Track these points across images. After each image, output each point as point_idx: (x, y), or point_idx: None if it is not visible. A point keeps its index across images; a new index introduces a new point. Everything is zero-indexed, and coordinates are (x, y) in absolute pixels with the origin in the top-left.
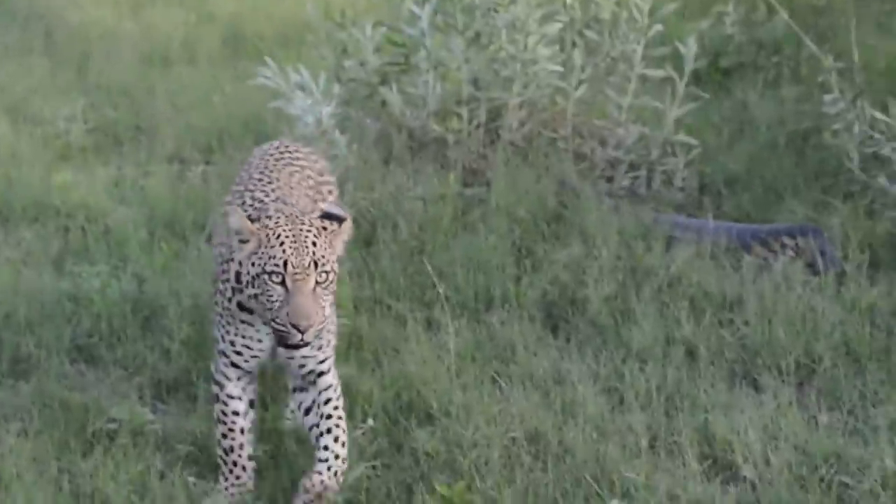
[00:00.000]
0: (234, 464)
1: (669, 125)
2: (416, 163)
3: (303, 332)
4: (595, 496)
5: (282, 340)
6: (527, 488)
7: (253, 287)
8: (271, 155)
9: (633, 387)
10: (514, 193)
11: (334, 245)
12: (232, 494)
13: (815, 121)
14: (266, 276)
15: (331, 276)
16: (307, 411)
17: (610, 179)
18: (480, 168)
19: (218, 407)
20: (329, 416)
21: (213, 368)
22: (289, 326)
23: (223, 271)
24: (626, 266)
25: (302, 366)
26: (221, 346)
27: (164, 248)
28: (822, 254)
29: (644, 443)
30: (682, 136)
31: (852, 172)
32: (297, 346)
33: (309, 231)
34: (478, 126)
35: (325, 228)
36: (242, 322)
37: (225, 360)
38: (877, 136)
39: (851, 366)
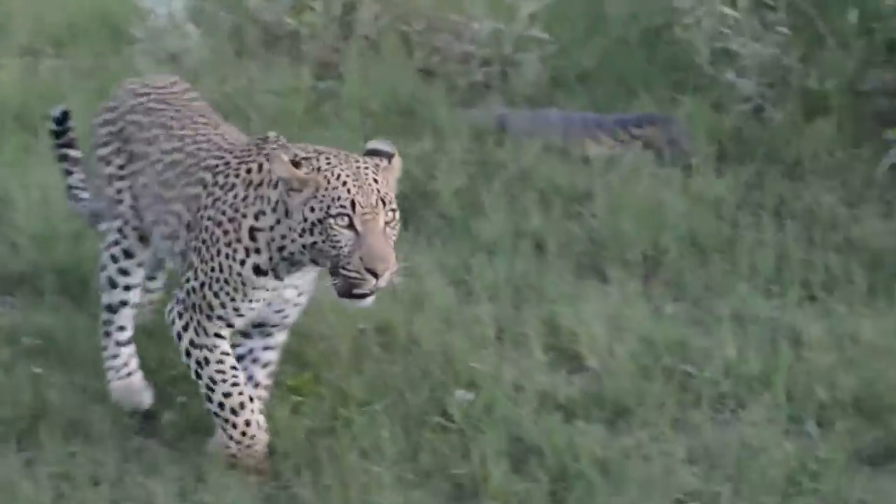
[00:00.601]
0: (248, 423)
1: (523, 20)
2: (269, 56)
3: (378, 277)
4: (441, 386)
5: (348, 291)
6: (374, 378)
7: (312, 235)
8: (179, 95)
9: (480, 279)
10: (367, 87)
11: (390, 182)
12: (250, 457)
13: (667, 16)
14: (331, 221)
15: (397, 216)
16: (239, 358)
17: (464, 74)
18: (334, 62)
19: (213, 367)
20: (265, 387)
21: (193, 331)
22: (363, 272)
23: (225, 232)
24: (477, 160)
25: (286, 315)
26: (220, 311)
27: (12, 141)
28: (671, 143)
29: (491, 334)
30: (535, 31)
31: (701, 67)
32: (363, 297)
33: (367, 168)
34: (332, 19)
35: (379, 165)
36: (255, 288)
37: (220, 322)
38: (726, 31)
39: (697, 257)
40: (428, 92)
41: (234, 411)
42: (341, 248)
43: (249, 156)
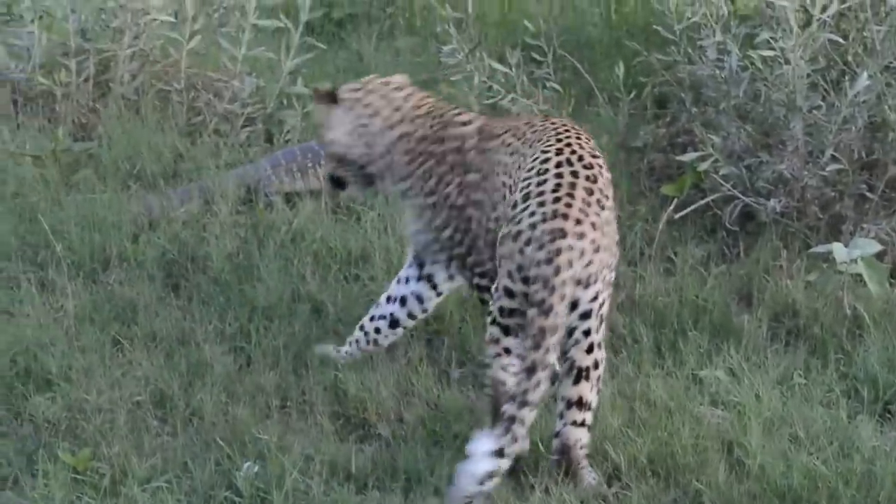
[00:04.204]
0: None
1: (285, 76)
2: (21, 117)
3: None
4: (227, 459)
5: None
6: (155, 452)
7: None
8: None
9: (260, 345)
10: (128, 148)
11: None
12: None
13: (432, 72)
14: None
15: None
16: None
17: (225, 134)
18: (91, 122)
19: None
20: None
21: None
22: None
23: None
24: (248, 222)
25: None
26: None
27: None
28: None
29: (275, 402)
30: (298, 87)
31: None
32: None
33: None
34: (87, 79)
35: None
36: None
37: None
38: (496, 87)
39: (478, 319)
40: (193, 152)
41: None
42: None
43: None
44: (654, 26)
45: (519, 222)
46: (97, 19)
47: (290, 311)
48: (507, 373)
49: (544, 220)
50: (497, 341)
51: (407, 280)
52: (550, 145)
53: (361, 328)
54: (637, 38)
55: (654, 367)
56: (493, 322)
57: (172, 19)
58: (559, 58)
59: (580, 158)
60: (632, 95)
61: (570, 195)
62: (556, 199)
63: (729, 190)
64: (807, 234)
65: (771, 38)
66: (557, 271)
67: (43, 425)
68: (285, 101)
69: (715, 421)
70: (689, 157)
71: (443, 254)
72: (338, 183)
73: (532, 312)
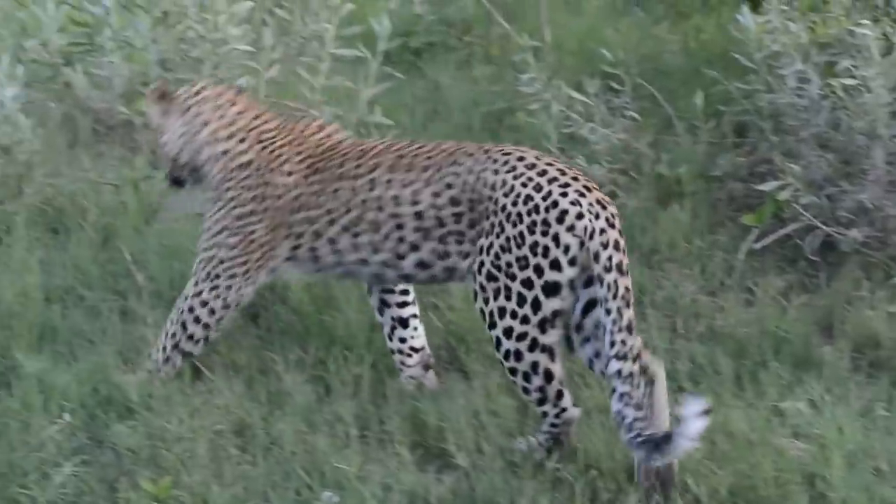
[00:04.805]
0: None
1: (363, 106)
2: (102, 146)
3: None
4: (306, 488)
5: None
6: (235, 481)
7: None
8: None
9: (339, 375)
10: None
11: None
12: None
13: (509, 101)
14: None
15: None
16: None
17: None
18: None
19: None
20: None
21: None
22: None
23: None
24: None
25: None
26: None
27: None
28: None
29: (354, 432)
30: (376, 117)
31: (550, 153)
32: None
33: None
34: None
35: None
36: None
37: None
38: (574, 116)
39: None
40: None
41: None
42: None
43: None
44: (734, 54)
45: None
46: (177, 49)
47: (369, 341)
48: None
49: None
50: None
51: None
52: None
53: None
54: (716, 67)
55: (735, 398)
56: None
57: (251, 49)
58: (637, 86)
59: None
60: (711, 124)
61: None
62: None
63: (809, 220)
64: (889, 264)
65: (852, 65)
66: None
67: (124, 453)
68: (363, 131)
69: (796, 453)
70: (769, 186)
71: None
72: (176, 182)
73: (611, 276)
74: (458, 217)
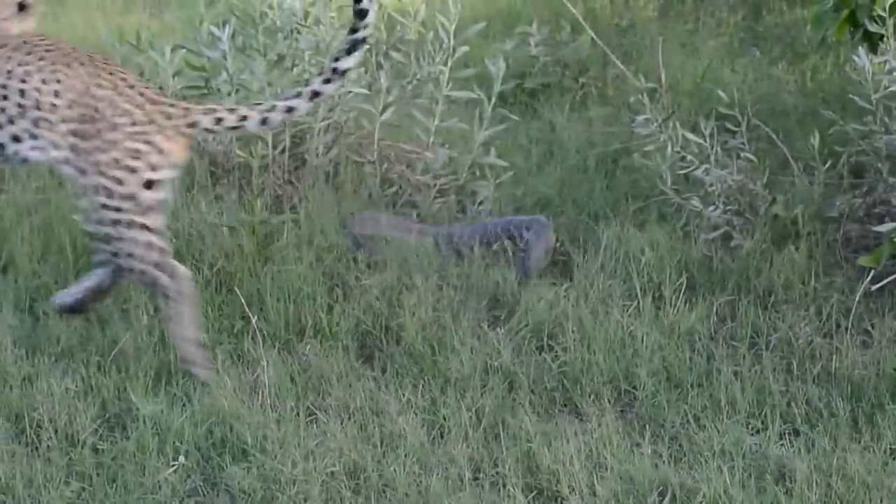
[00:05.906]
0: None
1: (477, 148)
2: (219, 189)
3: None
4: None
5: None
6: None
7: None
8: None
9: (452, 417)
10: (322, 220)
11: None
12: None
13: (624, 142)
14: None
15: None
16: None
17: (418, 205)
18: (287, 194)
19: None
20: None
21: None
22: None
23: None
24: (444, 293)
25: None
26: None
27: None
28: (523, 253)
29: (467, 475)
30: (491, 159)
31: (665, 194)
32: None
33: None
34: (283, 151)
35: None
36: None
37: None
38: (689, 157)
39: (673, 392)
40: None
41: None
42: None
43: None
44: (850, 95)
45: None
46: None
47: (483, 383)
48: None
49: None
50: None
51: None
52: None
53: None
54: (832, 107)
55: (851, 441)
56: None
57: (366, 91)
58: (753, 127)
59: None
60: (827, 165)
61: None
62: None
63: None
64: None
65: None
66: None
67: (239, 495)
68: (478, 172)
69: None
70: (886, 227)
71: None
72: None
73: None
74: None
